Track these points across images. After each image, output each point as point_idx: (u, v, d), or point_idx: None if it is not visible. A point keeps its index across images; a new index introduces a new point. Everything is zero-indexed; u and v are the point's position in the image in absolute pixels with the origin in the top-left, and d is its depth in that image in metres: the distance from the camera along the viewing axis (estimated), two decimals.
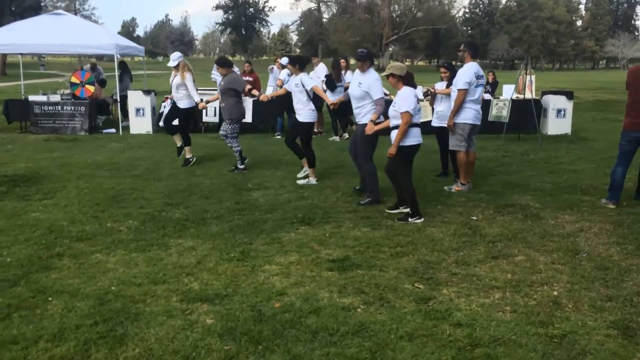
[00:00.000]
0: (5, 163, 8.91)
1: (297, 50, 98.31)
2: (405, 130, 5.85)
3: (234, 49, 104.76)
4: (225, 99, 8.47)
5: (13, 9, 50.07)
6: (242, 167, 8.55)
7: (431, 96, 7.93)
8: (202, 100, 8.83)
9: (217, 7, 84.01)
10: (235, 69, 12.78)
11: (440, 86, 7.87)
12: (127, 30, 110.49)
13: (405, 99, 5.88)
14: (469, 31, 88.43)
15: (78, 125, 12.62)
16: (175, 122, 9.14)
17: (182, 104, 8.93)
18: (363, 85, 6.60)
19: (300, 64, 7.86)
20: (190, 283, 4.31)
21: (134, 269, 4.57)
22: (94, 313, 3.76)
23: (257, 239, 5.35)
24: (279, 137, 12.49)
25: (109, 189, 7.29)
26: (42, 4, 58.58)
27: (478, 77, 7.08)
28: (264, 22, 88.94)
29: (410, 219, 5.89)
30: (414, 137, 6.00)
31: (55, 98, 12.84)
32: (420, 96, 12.92)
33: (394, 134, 5.96)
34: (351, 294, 4.11)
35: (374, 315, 3.77)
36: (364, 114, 6.70)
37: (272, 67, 13.34)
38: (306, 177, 7.88)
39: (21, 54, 15.37)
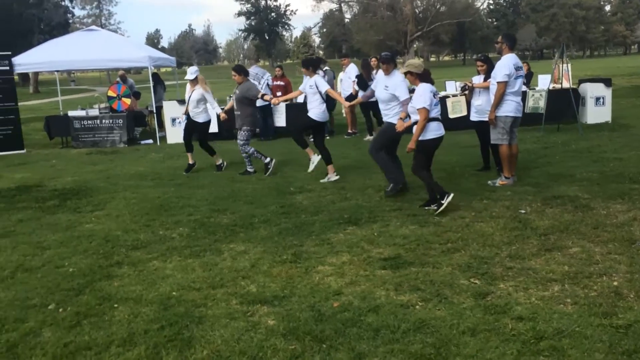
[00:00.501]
0: (53, 178, 9.19)
1: (321, 52, 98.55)
2: (423, 125, 6.09)
3: (258, 54, 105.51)
4: (240, 107, 8.66)
5: (42, 27, 51.39)
6: (251, 170, 8.85)
7: (469, 90, 7.91)
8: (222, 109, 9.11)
9: (239, 13, 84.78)
10: (267, 74, 12.99)
11: (477, 80, 7.85)
12: (152, 41, 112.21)
13: (420, 95, 6.12)
14: (494, 23, 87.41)
15: (117, 138, 12.93)
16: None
17: (201, 118, 9.09)
18: (389, 88, 6.89)
19: (314, 66, 8.21)
20: (247, 286, 4.41)
21: (192, 274, 4.70)
22: (160, 318, 3.89)
23: (307, 240, 5.44)
24: (312, 140, 12.59)
25: (156, 198, 7.47)
26: (70, 21, 60.02)
27: (517, 68, 7.05)
28: (286, 26, 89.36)
29: (442, 202, 6.02)
30: (433, 131, 6.21)
31: (94, 112, 13.18)
32: (452, 91, 12.95)
33: (414, 130, 6.21)
34: (407, 291, 4.15)
35: (433, 312, 3.81)
36: (392, 115, 6.98)
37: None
38: (317, 171, 8.33)
39: (57, 71, 15.80)
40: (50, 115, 14.61)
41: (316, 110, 8.07)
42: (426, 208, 6.29)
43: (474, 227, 5.57)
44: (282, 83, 13.71)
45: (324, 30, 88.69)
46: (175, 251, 5.28)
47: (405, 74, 6.40)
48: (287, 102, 13.12)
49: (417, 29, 66.28)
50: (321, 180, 8.00)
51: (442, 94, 13.09)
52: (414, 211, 6.23)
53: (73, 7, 63.56)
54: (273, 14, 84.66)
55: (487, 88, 7.47)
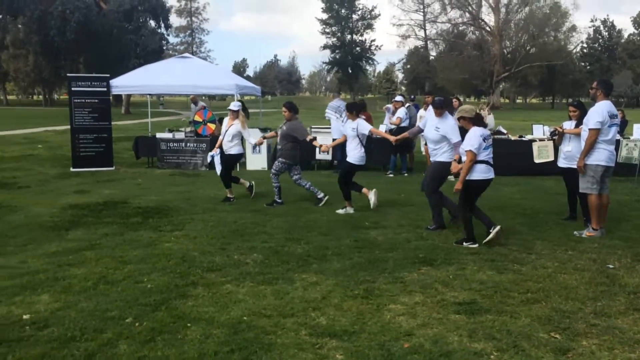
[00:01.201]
0: (137, 196, 9.65)
1: (403, 88, 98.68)
2: (469, 167, 6.45)
3: (340, 87, 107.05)
4: (284, 142, 8.96)
5: (138, 52, 54.64)
6: (280, 201, 9.04)
7: (559, 135, 7.68)
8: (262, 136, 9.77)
9: (325, 46, 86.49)
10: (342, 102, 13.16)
11: (568, 125, 7.62)
12: (238, 70, 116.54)
13: (470, 138, 6.50)
14: (588, 67, 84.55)
15: (199, 161, 13.45)
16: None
17: (234, 150, 9.40)
18: (441, 130, 7.32)
19: (357, 110, 8.65)
20: (317, 318, 4.43)
21: (263, 300, 4.78)
22: (230, 341, 3.97)
23: (380, 277, 5.41)
24: (391, 175, 12.60)
25: (232, 222, 7.67)
26: (164, 48, 63.49)
27: (612, 116, 6.80)
28: (370, 61, 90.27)
29: (464, 243, 6.50)
30: (480, 173, 6.52)
31: (180, 135, 13.80)
32: (539, 135, 12.61)
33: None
34: (482, 339, 4.03)
35: None
36: (440, 154, 7.43)
37: (389, 107, 13.52)
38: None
39: (149, 94, 16.70)
40: (139, 135, 15.41)
41: (354, 154, 8.42)
42: (462, 244, 6.56)
43: (557, 279, 5.35)
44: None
45: (408, 66, 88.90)
46: (249, 276, 5.39)
47: (459, 119, 6.76)
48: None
49: (504, 69, 65.26)
50: (337, 211, 8.41)
51: (529, 137, 12.78)
52: (492, 256, 6.07)
53: (168, 35, 67.26)
54: (358, 49, 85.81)
55: (578, 134, 7.24)
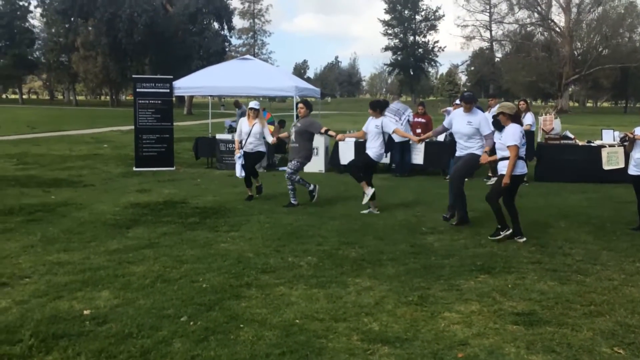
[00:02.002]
0: (196, 196, 9.91)
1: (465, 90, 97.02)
2: (514, 161, 6.73)
3: (401, 89, 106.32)
4: (300, 140, 9.08)
5: (201, 53, 56.10)
6: (295, 202, 9.12)
7: (629, 142, 7.37)
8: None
9: (387, 48, 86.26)
10: (408, 110, 13.07)
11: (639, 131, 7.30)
12: (299, 71, 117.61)
13: (513, 134, 6.79)
14: None
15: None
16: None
17: (262, 148, 9.80)
18: (473, 123, 7.72)
19: (381, 108, 8.83)
20: (370, 323, 4.42)
21: (316, 304, 4.81)
22: (281, 343, 4.02)
23: (435, 284, 5.35)
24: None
25: (288, 224, 7.76)
26: (227, 49, 64.87)
27: None
28: (432, 63, 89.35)
29: (500, 234, 6.90)
30: (521, 168, 6.90)
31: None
32: (608, 141, 12.15)
33: (501, 164, 6.97)
34: (540, 352, 3.92)
35: None
36: (475, 147, 7.78)
37: (449, 109, 13.33)
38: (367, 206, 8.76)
39: (210, 95, 17.09)
40: (199, 136, 15.81)
41: (375, 151, 8.63)
42: (495, 238, 6.91)
43: (623, 291, 5.14)
44: (423, 120, 13.72)
45: (472, 68, 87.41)
46: (302, 279, 5.44)
47: (499, 114, 7.06)
48: (427, 140, 13.11)
49: (574, 71, 63.07)
50: (363, 212, 8.66)
51: (598, 142, 12.33)
52: (555, 266, 5.89)
53: (231, 37, 68.76)
54: (420, 50, 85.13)
55: None
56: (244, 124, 9.82)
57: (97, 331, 4.16)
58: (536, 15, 68.04)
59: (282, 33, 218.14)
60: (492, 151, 7.44)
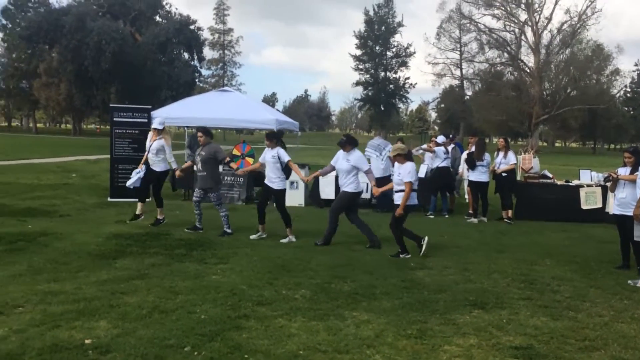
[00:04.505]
0: (178, 227, 9.94)
1: (436, 128, 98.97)
2: (408, 195, 8.21)
3: (371, 124, 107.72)
4: (207, 168, 9.63)
5: (170, 83, 56.23)
6: (196, 225, 9.73)
7: (613, 181, 7.78)
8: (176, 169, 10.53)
9: (357, 83, 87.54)
10: (389, 146, 13.40)
11: (623, 171, 7.71)
12: (268, 104, 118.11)
13: (409, 172, 8.27)
14: (631, 112, 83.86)
15: (236, 195, 13.78)
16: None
17: (159, 167, 10.16)
18: (351, 161, 9.03)
19: (277, 138, 9.74)
20: (372, 355, 4.58)
21: (317, 336, 4.94)
22: None
23: (431, 318, 5.54)
24: (431, 216, 12.70)
25: (276, 258, 7.88)
26: (196, 80, 65.15)
27: None
28: (403, 99, 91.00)
29: (400, 255, 8.29)
30: (413, 199, 8.37)
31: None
32: (586, 181, 12.66)
33: (397, 196, 8.38)
34: None
35: None
36: (348, 183, 9.06)
37: (423, 148, 13.71)
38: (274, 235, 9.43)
39: (187, 126, 17.18)
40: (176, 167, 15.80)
41: (277, 181, 9.34)
42: (400, 257, 8.28)
43: (614, 327, 5.42)
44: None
45: (442, 105, 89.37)
46: (300, 311, 5.57)
47: (395, 156, 8.50)
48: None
49: (543, 111, 65.06)
50: (281, 240, 9.18)
51: (575, 182, 12.82)
52: (545, 302, 6.16)
53: (201, 67, 69.08)
54: (391, 86, 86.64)
55: (633, 181, 7.33)
56: (148, 139, 10.44)
57: None
58: (506, 55, 70.27)
59: (251, 65, 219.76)
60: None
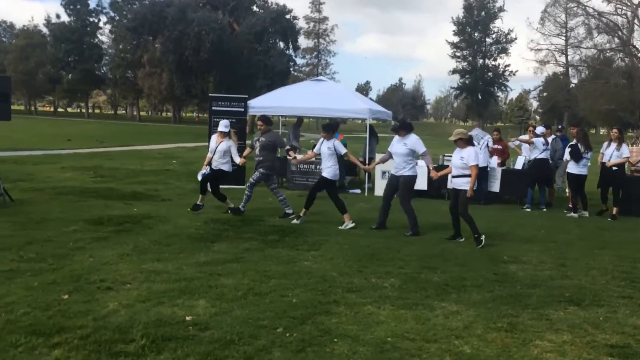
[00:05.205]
0: (271, 215, 10.33)
1: (537, 117, 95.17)
2: (475, 178, 8.50)
3: (467, 113, 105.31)
4: (264, 153, 10.21)
5: (266, 72, 57.55)
6: (240, 207, 10.19)
7: None
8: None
9: (454, 71, 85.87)
10: (487, 136, 13.19)
11: None
12: (361, 92, 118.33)
13: (474, 155, 8.52)
14: None
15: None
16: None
17: (226, 167, 10.51)
18: (408, 144, 9.25)
19: (333, 130, 10.21)
20: (461, 346, 4.63)
21: (405, 324, 5.05)
22: (376, 358, 4.28)
23: (523, 312, 5.49)
24: (528, 209, 12.39)
25: (366, 246, 8.04)
26: (291, 69, 66.30)
27: None
28: (502, 87, 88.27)
29: (481, 238, 8.41)
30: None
31: None
32: None
33: (457, 180, 8.66)
34: None
35: None
36: (409, 168, 9.30)
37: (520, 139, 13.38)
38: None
39: (283, 115, 17.64)
40: None
41: (329, 170, 9.75)
42: (482, 240, 8.40)
43: None
44: (499, 147, 13.80)
45: (545, 94, 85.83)
46: (388, 300, 5.69)
47: (456, 140, 8.66)
48: (503, 168, 13.23)
49: None
50: (340, 227, 9.42)
51: None
52: None
53: (296, 56, 70.19)
54: (490, 74, 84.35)
55: None
56: (212, 141, 10.82)
57: (201, 336, 4.54)
58: (617, 40, 66.36)
59: (346, 53, 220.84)
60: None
